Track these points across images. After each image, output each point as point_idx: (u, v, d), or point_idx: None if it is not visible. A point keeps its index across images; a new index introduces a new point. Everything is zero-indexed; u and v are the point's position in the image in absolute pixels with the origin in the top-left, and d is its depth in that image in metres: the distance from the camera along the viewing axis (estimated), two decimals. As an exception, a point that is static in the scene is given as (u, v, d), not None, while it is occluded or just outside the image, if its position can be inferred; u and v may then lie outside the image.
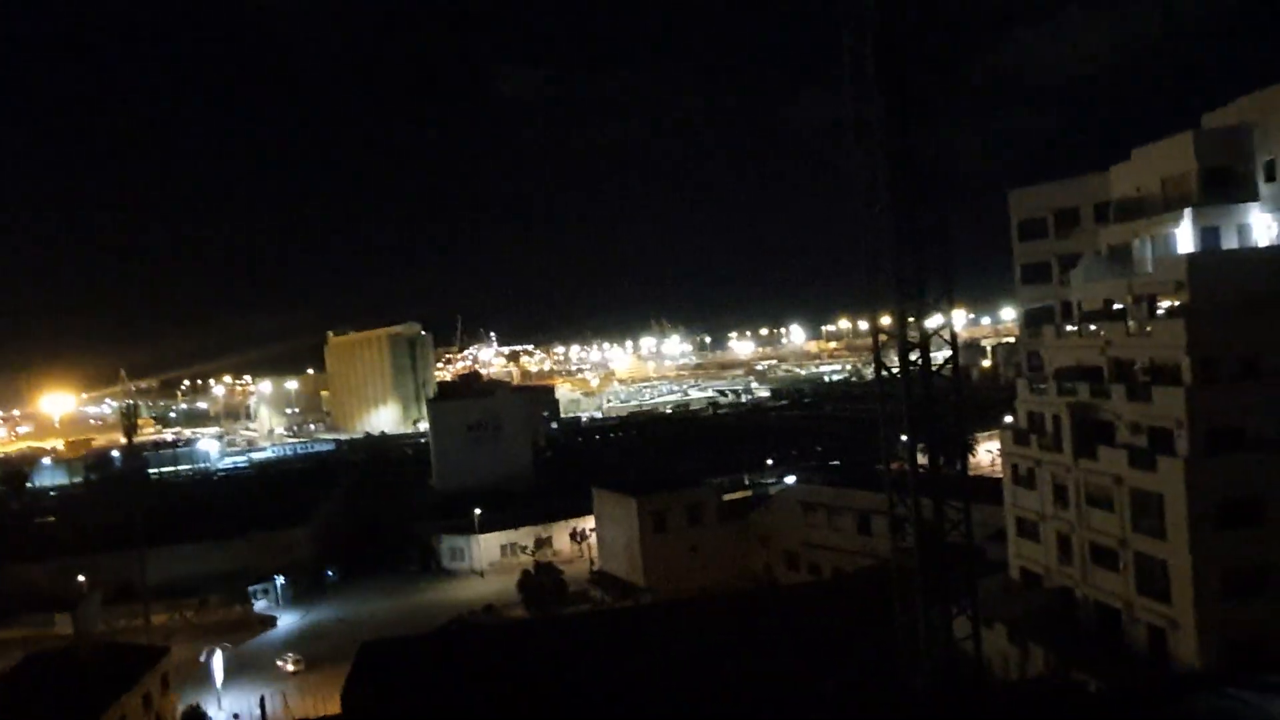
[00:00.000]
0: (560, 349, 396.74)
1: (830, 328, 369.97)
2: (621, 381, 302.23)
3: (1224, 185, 37.63)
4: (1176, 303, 36.73)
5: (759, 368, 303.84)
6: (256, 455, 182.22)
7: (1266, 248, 36.60)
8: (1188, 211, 37.54)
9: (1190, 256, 36.28)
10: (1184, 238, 37.61)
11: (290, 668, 60.52)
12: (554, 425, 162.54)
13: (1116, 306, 40.57)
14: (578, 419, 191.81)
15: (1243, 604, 32.74)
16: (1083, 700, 31.80)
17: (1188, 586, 32.78)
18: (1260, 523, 32.90)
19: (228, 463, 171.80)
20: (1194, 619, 32.62)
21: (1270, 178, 36.91)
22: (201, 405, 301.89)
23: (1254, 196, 37.32)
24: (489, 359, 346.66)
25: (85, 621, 69.33)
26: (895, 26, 25.13)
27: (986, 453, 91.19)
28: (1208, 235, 37.28)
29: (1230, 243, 37.34)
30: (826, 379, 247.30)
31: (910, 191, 25.43)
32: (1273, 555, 32.84)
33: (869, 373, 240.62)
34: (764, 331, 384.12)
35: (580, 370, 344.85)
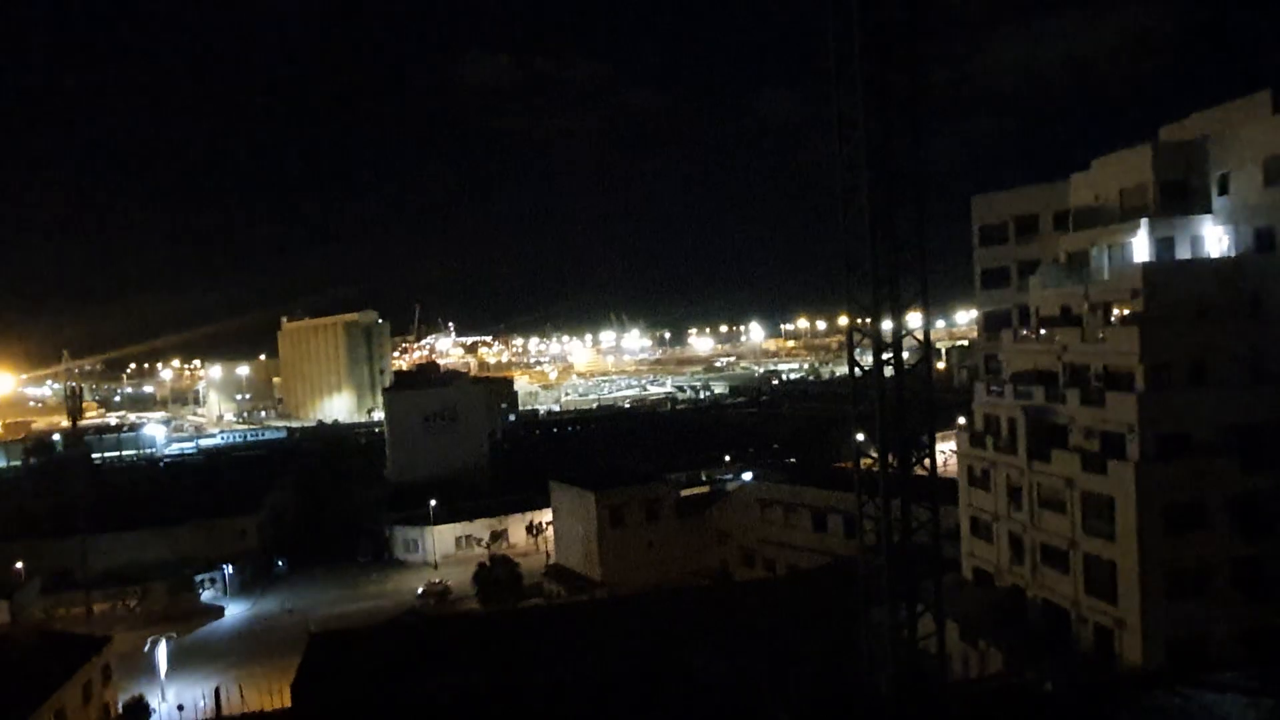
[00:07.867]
0: (519, 341, 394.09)
1: (789, 326, 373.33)
2: (580, 375, 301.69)
3: (1180, 197, 38.60)
4: (1131, 310, 37.60)
5: (718, 364, 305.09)
6: (205, 442, 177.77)
7: (1218, 258, 37.61)
8: (1144, 222, 38.46)
9: (1146, 265, 37.20)
10: (1140, 247, 38.52)
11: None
12: (512, 417, 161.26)
13: (1073, 313, 41.38)
14: (536, 411, 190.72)
15: (1186, 604, 33.66)
16: (1040, 699, 32.40)
17: (1135, 587, 33.61)
18: (1203, 526, 33.86)
19: (175, 449, 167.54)
20: (1140, 619, 33.46)
21: (1223, 191, 37.92)
22: (148, 389, 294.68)
23: (1207, 209, 38.33)
24: (447, 349, 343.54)
25: (22, 609, 67.05)
26: (882, 25, 25.17)
27: (939, 453, 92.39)
28: (1163, 245, 38.26)
29: (1184, 253, 38.30)
30: (784, 377, 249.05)
31: (889, 191, 25.56)
32: (1214, 557, 33.82)
33: (825, 371, 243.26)
34: (723, 328, 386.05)
35: (539, 363, 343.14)
